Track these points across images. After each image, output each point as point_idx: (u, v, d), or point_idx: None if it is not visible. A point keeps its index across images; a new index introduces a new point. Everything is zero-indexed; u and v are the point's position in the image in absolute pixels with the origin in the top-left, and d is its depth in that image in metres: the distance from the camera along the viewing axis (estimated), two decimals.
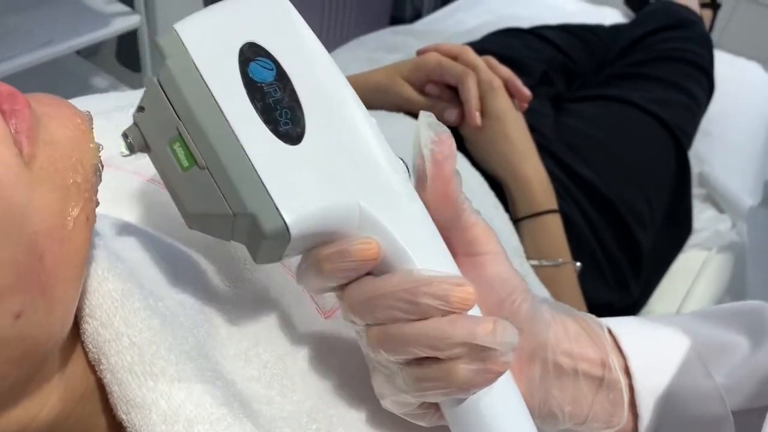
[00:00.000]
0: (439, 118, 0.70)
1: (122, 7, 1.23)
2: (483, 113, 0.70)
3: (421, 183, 0.32)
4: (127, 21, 1.20)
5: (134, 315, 0.30)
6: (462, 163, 0.68)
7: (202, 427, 0.28)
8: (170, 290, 0.34)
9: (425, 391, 0.30)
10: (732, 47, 1.44)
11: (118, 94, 0.54)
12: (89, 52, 1.54)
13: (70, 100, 0.33)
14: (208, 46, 0.28)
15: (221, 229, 0.29)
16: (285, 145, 0.28)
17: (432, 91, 0.72)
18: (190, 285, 0.35)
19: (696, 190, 1.02)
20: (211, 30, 0.29)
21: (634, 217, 0.80)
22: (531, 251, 0.69)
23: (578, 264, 0.70)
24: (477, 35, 1.11)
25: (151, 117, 0.28)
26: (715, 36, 1.32)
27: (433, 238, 0.31)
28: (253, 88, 0.28)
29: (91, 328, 0.29)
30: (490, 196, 0.68)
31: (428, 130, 0.31)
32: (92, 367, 0.30)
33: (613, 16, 1.48)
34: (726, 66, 1.24)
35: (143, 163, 0.42)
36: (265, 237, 0.27)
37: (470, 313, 0.29)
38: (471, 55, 0.72)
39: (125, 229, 0.37)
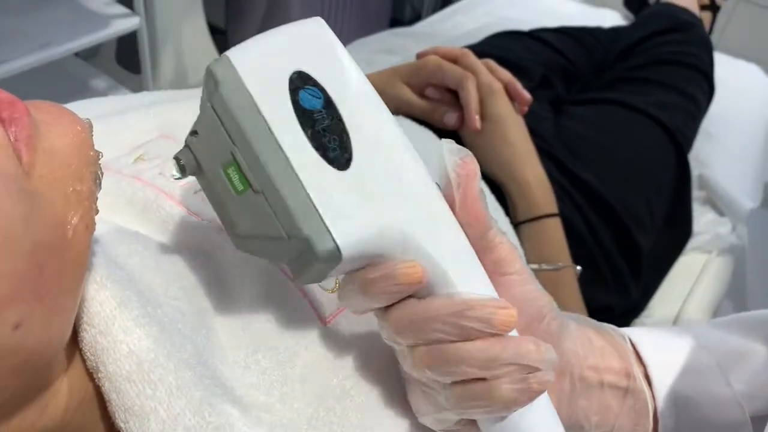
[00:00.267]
0: (439, 121, 0.71)
1: (122, 9, 1.23)
2: (483, 117, 0.70)
3: (450, 207, 0.33)
4: (127, 23, 1.20)
5: (133, 323, 0.29)
6: None
7: None
8: (169, 297, 0.34)
9: (468, 409, 0.31)
10: (731, 49, 1.44)
11: (116, 98, 0.54)
12: (88, 54, 1.54)
13: (67, 105, 0.33)
14: (260, 75, 0.29)
15: (272, 250, 0.30)
16: (334, 170, 0.29)
17: (432, 94, 0.72)
18: (189, 291, 0.35)
19: (696, 193, 1.02)
20: (262, 58, 0.30)
21: (634, 221, 0.80)
22: (531, 255, 0.69)
23: (578, 267, 0.70)
24: (476, 38, 1.10)
25: (205, 141, 0.29)
26: (714, 38, 1.32)
27: (473, 260, 0.32)
28: (303, 116, 0.29)
29: (89, 336, 0.29)
30: (489, 199, 0.67)
31: (452, 155, 0.32)
32: (91, 375, 0.30)
33: (612, 18, 1.48)
34: (725, 68, 1.24)
35: (142, 167, 0.42)
36: (317, 258, 0.28)
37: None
38: (471, 58, 0.71)
39: (123, 234, 0.37)
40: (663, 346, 0.39)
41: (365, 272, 0.31)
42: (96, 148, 0.28)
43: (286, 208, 0.28)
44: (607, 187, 0.80)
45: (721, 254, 0.97)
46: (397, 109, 0.73)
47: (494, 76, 0.71)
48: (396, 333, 0.31)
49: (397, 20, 2.07)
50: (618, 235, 0.79)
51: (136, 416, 0.28)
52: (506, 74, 0.73)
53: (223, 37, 1.65)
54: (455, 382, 0.31)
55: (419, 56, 0.75)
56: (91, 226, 0.27)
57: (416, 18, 1.98)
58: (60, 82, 1.37)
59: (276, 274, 0.38)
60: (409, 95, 0.73)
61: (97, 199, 0.28)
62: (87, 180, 0.27)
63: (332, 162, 0.29)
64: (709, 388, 0.37)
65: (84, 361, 0.30)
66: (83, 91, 1.38)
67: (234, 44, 0.31)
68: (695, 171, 1.02)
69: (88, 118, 0.28)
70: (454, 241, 0.32)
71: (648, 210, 0.83)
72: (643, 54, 1.06)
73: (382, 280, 0.30)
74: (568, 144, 0.83)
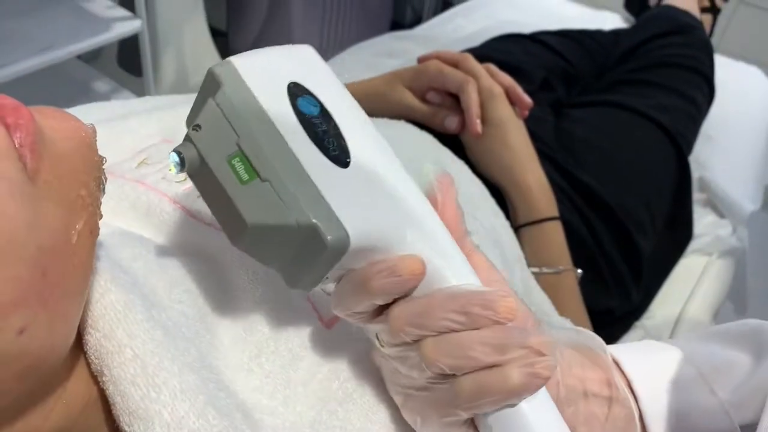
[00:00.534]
0: (440, 125, 0.71)
1: (123, 12, 1.23)
2: (484, 121, 0.70)
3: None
4: (128, 25, 1.20)
5: (137, 326, 0.30)
6: (462, 171, 0.68)
7: None
8: (172, 300, 0.34)
9: (479, 400, 0.30)
10: (731, 51, 1.44)
11: (118, 103, 0.54)
12: (90, 57, 1.54)
13: (70, 110, 0.33)
14: (261, 79, 0.31)
15: (274, 244, 0.30)
16: (336, 167, 0.31)
17: (433, 98, 0.72)
18: (192, 294, 0.35)
19: (696, 195, 1.02)
20: (261, 66, 0.32)
21: (635, 223, 0.80)
22: (532, 258, 0.69)
23: (579, 271, 0.70)
24: (477, 41, 1.11)
25: (208, 135, 0.30)
26: (714, 40, 1.32)
27: (463, 260, 0.33)
28: (303, 119, 0.31)
29: (93, 339, 0.29)
30: (490, 203, 0.67)
31: (433, 175, 0.35)
32: (95, 378, 0.30)
33: (613, 20, 1.48)
34: (725, 70, 1.24)
35: (145, 171, 0.42)
36: (325, 247, 0.28)
37: None
38: (472, 62, 0.72)
39: (127, 238, 0.37)
40: (644, 359, 0.39)
41: (367, 268, 0.31)
42: (99, 152, 0.28)
43: (294, 195, 0.28)
44: (608, 190, 0.80)
45: (721, 256, 0.97)
46: (399, 113, 0.73)
47: (495, 80, 0.71)
48: (398, 331, 0.31)
49: (397, 23, 2.08)
50: (619, 237, 0.79)
51: (141, 419, 0.28)
52: (507, 78, 0.73)
53: (224, 40, 1.65)
54: (465, 374, 0.31)
55: (420, 60, 0.75)
56: (95, 231, 0.27)
57: (417, 21, 1.98)
58: (62, 85, 1.37)
59: (279, 277, 0.38)
60: (410, 99, 0.73)
61: (100, 203, 0.28)
62: (91, 185, 0.27)
63: (334, 161, 0.30)
64: (693, 398, 0.37)
65: (88, 364, 0.30)
66: (85, 94, 1.38)
67: (235, 46, 0.32)
68: (696, 173, 1.02)
69: (91, 123, 0.29)
70: (443, 239, 0.33)
71: (649, 212, 0.83)
72: (644, 57, 1.06)
73: (384, 272, 0.30)
74: (569, 147, 0.84)
